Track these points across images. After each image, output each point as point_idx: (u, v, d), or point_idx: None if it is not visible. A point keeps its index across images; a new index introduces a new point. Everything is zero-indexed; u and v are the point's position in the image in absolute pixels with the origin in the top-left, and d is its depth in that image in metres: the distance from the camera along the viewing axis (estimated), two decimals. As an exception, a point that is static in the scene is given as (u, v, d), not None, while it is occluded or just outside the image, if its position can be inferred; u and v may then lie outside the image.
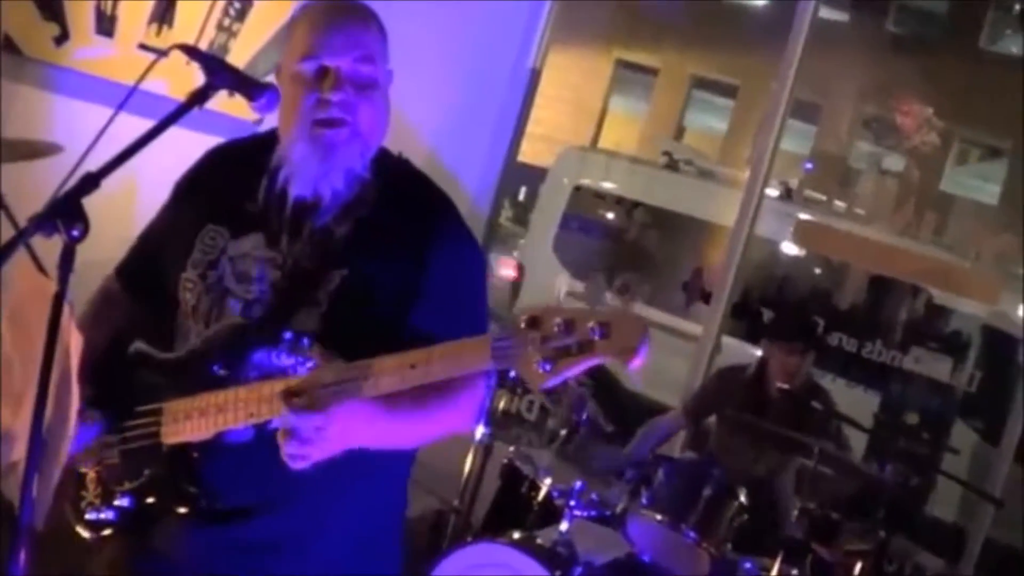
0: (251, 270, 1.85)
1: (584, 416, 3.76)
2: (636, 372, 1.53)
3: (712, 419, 4.64)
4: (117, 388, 1.87)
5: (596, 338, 1.52)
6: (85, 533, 1.89)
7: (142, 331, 1.94)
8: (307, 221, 1.86)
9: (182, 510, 1.82)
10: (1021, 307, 8.34)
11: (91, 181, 1.58)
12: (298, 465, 1.68)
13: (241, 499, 1.82)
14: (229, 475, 1.81)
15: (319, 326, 1.80)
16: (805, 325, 4.77)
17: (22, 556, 1.53)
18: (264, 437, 1.77)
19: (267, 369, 1.79)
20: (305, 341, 1.79)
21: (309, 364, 1.77)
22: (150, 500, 1.84)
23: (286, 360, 1.79)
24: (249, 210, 1.89)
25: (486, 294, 1.99)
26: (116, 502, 1.85)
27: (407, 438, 1.87)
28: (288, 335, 1.78)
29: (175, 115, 1.69)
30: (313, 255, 1.84)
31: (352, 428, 1.70)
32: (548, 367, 1.53)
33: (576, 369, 1.54)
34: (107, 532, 1.88)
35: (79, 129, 1.83)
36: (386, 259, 1.84)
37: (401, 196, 1.91)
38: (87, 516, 1.88)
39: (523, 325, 1.55)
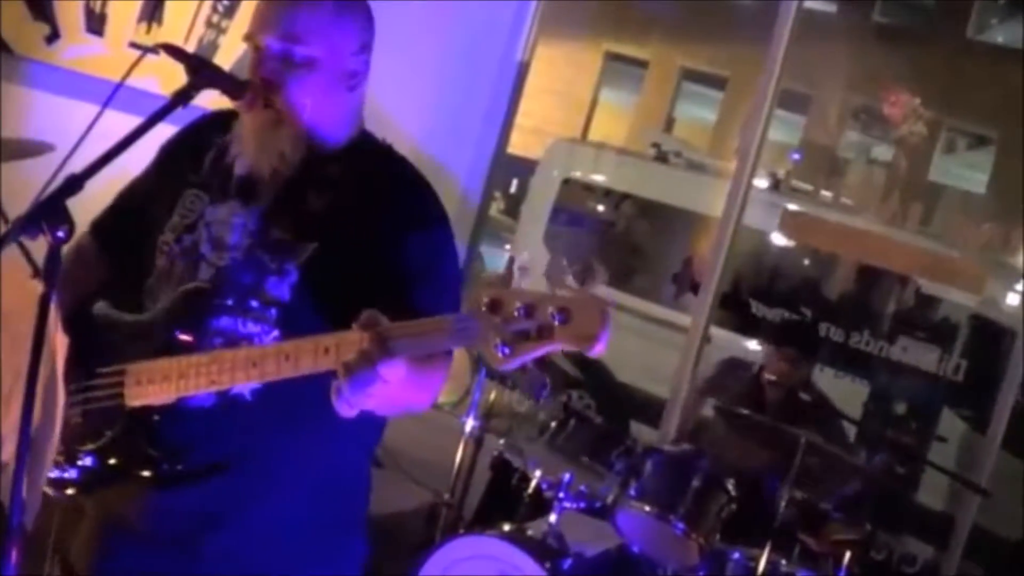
0: (226, 236, 1.87)
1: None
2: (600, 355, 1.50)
3: (711, 412, 4.68)
4: (82, 347, 1.89)
5: (556, 323, 1.50)
6: (50, 491, 1.90)
7: (111, 291, 1.95)
8: (252, 199, 1.88)
9: (144, 473, 1.83)
10: (1010, 296, 8.38)
11: (75, 183, 1.59)
12: (349, 412, 1.64)
13: (202, 462, 1.83)
14: (190, 438, 1.83)
15: (288, 297, 1.82)
16: (804, 334, 4.80)
17: (13, 556, 1.55)
18: (226, 401, 1.79)
19: (231, 336, 1.81)
20: (272, 311, 1.81)
21: (274, 334, 1.79)
22: (111, 461, 1.85)
23: (252, 328, 1.82)
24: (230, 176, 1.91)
25: (459, 273, 2.00)
26: (79, 461, 1.87)
27: (395, 405, 1.81)
28: (255, 304, 1.81)
29: (160, 114, 1.71)
30: (287, 226, 1.85)
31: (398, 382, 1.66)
32: (507, 351, 1.52)
33: (535, 354, 1.53)
34: (70, 491, 1.89)
35: (70, 127, 1.84)
36: (359, 234, 1.85)
37: (378, 174, 1.92)
38: (51, 475, 1.89)
39: (484, 307, 1.54)
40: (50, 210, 1.55)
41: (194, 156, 1.96)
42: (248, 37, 1.86)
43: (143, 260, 1.94)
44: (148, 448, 1.82)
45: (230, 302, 1.82)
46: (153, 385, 1.80)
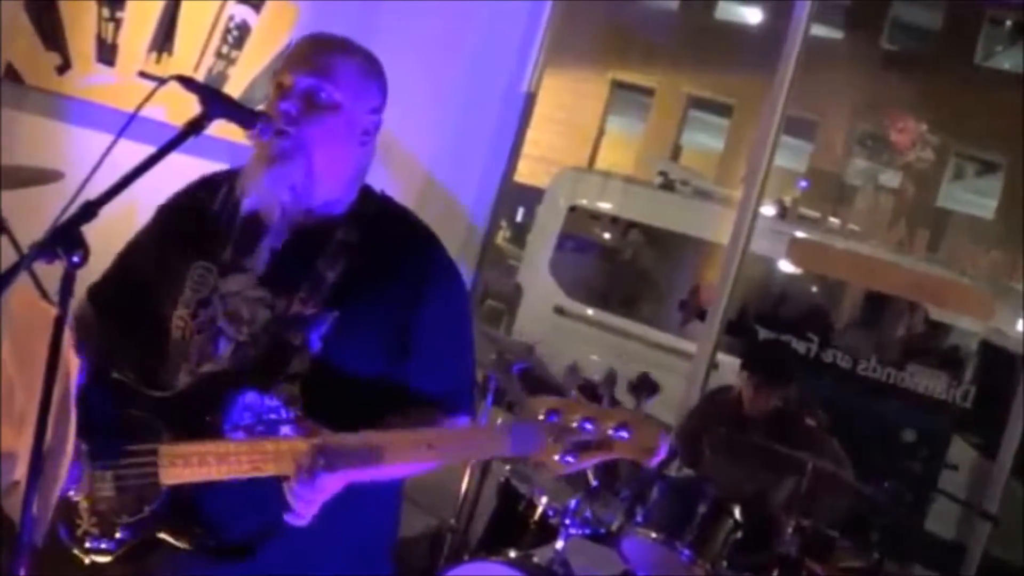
0: (242, 310, 1.88)
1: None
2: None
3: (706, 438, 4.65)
4: (102, 419, 1.87)
5: (617, 437, 1.61)
6: (85, 559, 1.90)
7: (124, 361, 1.94)
8: (258, 238, 1.88)
9: (185, 546, 1.83)
10: (1019, 322, 8.37)
11: (90, 209, 1.61)
12: (300, 522, 1.73)
13: (242, 533, 1.84)
14: (229, 510, 1.83)
15: (309, 368, 1.83)
16: (774, 361, 4.69)
17: (22, 574, 1.56)
18: None
19: (257, 411, 1.82)
20: (295, 384, 1.83)
21: (298, 405, 1.81)
22: (152, 535, 1.85)
23: (276, 401, 1.82)
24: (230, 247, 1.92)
25: (472, 331, 2.03)
26: (117, 535, 1.86)
27: (400, 474, 1.90)
28: (278, 378, 1.83)
29: (172, 144, 1.72)
30: (305, 298, 1.86)
31: (350, 479, 1.75)
32: (571, 459, 1.62)
33: (595, 462, 1.64)
34: (106, 559, 1.89)
35: (81, 155, 1.86)
36: (376, 302, 1.87)
37: (387, 236, 1.93)
38: (87, 544, 1.89)
39: (542, 417, 1.62)
40: (66, 235, 1.58)
41: (197, 226, 1.96)
42: (276, 74, 1.89)
43: (151, 332, 1.93)
44: (191, 524, 1.83)
45: (253, 378, 1.83)
46: (190, 468, 1.80)
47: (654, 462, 1.61)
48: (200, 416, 1.82)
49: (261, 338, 1.85)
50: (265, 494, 1.76)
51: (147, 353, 1.94)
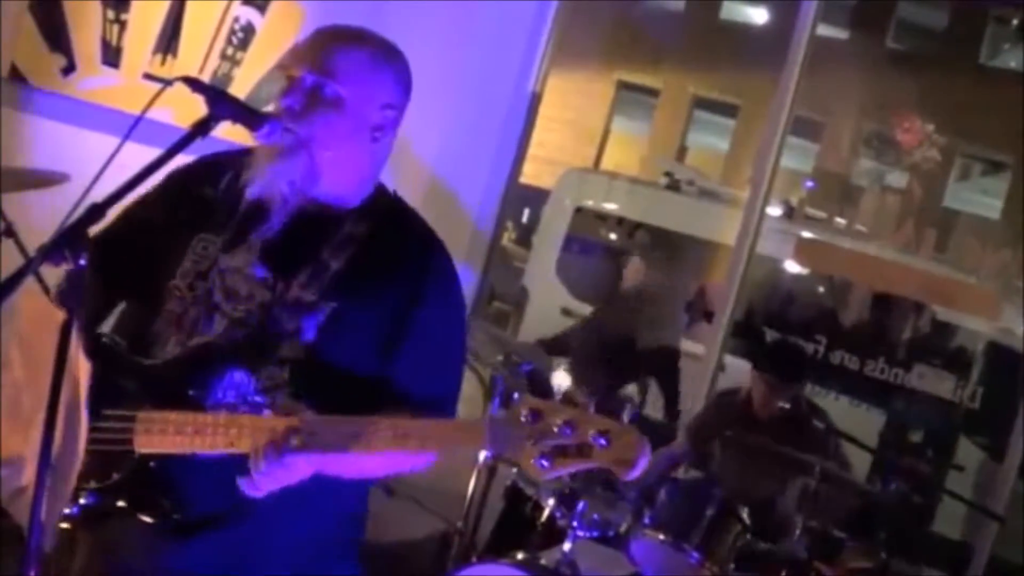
0: (240, 287, 1.86)
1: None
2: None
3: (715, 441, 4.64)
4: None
5: (596, 445, 1.58)
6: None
7: (114, 323, 1.94)
8: (255, 226, 1.88)
9: (149, 519, 1.81)
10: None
11: (97, 211, 1.61)
12: (254, 492, 1.73)
13: (208, 509, 1.83)
14: (197, 487, 1.82)
15: (301, 355, 1.83)
16: (787, 360, 4.68)
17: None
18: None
19: (243, 391, 1.81)
20: (286, 368, 1.82)
21: (286, 391, 1.81)
22: (117, 503, 1.83)
23: (265, 384, 1.82)
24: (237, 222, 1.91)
25: (465, 339, 2.03)
26: (81, 499, 1.83)
27: (375, 472, 1.89)
28: (268, 360, 1.82)
29: (178, 146, 1.72)
30: (306, 283, 1.85)
31: (319, 467, 1.75)
32: (546, 463, 1.59)
33: (572, 469, 1.61)
34: (66, 525, 1.85)
35: (86, 157, 1.85)
36: (375, 298, 1.87)
37: (394, 235, 1.93)
38: None
39: (523, 419, 1.60)
40: (73, 237, 1.57)
41: (204, 198, 1.96)
42: (282, 67, 1.88)
43: (147, 298, 1.92)
44: (158, 496, 1.81)
45: (243, 358, 1.82)
46: (166, 436, 1.78)
47: (631, 476, 1.58)
48: (185, 388, 1.80)
49: (255, 317, 1.85)
50: (236, 475, 1.75)
51: (139, 318, 1.93)
